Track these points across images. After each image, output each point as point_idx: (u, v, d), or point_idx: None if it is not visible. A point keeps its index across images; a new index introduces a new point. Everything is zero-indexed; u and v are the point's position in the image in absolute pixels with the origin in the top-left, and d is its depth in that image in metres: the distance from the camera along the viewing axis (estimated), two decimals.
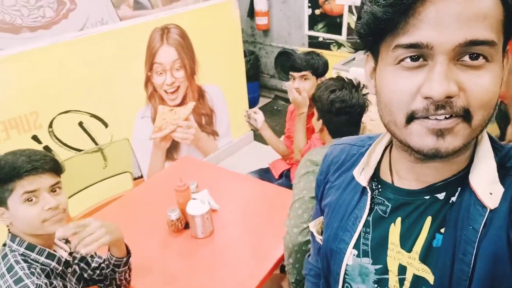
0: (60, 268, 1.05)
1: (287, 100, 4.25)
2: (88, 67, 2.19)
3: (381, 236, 0.62)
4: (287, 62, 4.10)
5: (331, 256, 0.69)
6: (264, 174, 2.09)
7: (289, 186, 1.89)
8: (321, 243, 0.74)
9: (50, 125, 2.10)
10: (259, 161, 3.20)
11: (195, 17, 2.73)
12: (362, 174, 0.66)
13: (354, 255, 0.65)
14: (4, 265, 0.97)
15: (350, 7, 3.33)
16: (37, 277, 0.96)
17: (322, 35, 3.67)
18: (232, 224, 1.52)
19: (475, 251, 0.51)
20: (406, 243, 0.58)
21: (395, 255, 0.59)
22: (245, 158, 3.37)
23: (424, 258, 0.56)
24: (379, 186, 0.64)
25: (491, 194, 0.52)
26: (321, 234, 0.76)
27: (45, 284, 0.96)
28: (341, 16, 3.43)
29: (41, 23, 2.01)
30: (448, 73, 0.46)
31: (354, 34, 3.43)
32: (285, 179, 2.02)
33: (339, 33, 3.51)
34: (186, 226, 1.50)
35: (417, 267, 0.57)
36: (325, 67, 1.87)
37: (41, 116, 2.05)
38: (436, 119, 0.48)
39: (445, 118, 0.48)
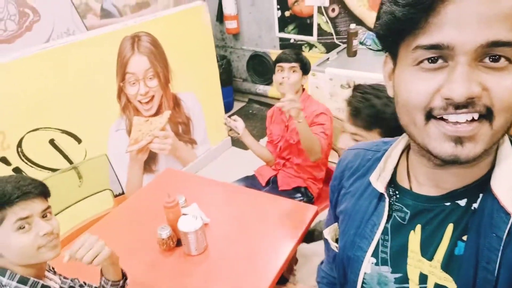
0: None
1: (261, 103, 4.23)
2: (56, 81, 2.07)
3: (400, 244, 0.60)
4: (259, 66, 4.08)
5: (347, 264, 0.67)
6: (251, 182, 2.04)
7: (277, 193, 1.86)
8: (337, 251, 0.72)
9: (19, 145, 1.96)
10: (240, 167, 3.15)
11: (165, 23, 2.65)
12: (379, 180, 0.64)
13: (372, 263, 0.63)
14: None
15: (319, 8, 3.35)
16: None
17: (293, 37, 3.67)
18: (226, 238, 1.47)
19: (499, 259, 0.50)
20: (427, 251, 0.57)
21: (415, 263, 0.58)
22: (225, 164, 3.31)
23: (446, 266, 0.54)
24: (397, 192, 0.62)
25: None
26: (336, 241, 0.74)
27: None
28: (311, 17, 3.45)
29: (2, 37, 1.88)
30: (469, 74, 0.45)
31: (324, 34, 3.47)
32: (273, 186, 1.98)
33: (310, 34, 3.53)
34: (178, 243, 1.44)
35: (438, 276, 0.55)
36: (309, 65, 1.87)
37: (9, 136, 1.91)
38: (457, 122, 0.46)
39: (466, 121, 0.46)
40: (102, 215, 1.73)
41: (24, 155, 1.99)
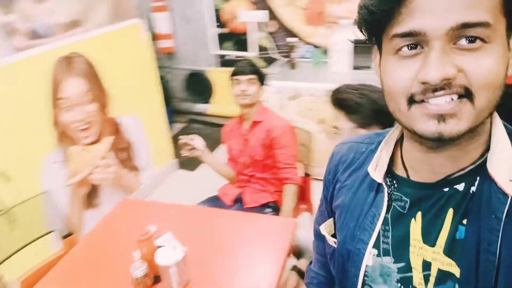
0: None
1: (203, 123, 4.12)
2: None
3: (401, 233, 0.60)
4: (197, 84, 3.98)
5: (347, 258, 0.67)
6: (215, 203, 1.93)
7: (245, 212, 1.78)
8: (335, 246, 0.71)
9: None
10: (189, 189, 3.00)
11: (101, 43, 2.46)
12: (376, 171, 0.65)
13: (374, 255, 0.63)
14: None
15: (258, 23, 3.38)
16: None
17: (232, 53, 3.66)
18: (207, 266, 1.35)
19: (499, 240, 0.51)
20: (429, 238, 0.57)
21: (418, 251, 0.58)
22: (173, 189, 3.13)
23: (449, 251, 0.55)
24: (394, 182, 0.63)
25: (511, 181, 0.52)
26: (333, 236, 0.73)
27: None
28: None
29: None
30: (443, 58, 0.47)
31: (264, 49, 3.50)
32: (240, 205, 1.90)
33: (250, 50, 3.55)
34: (156, 280, 1.28)
35: (442, 261, 0.56)
36: (265, 76, 1.85)
37: None
38: (437, 104, 0.48)
39: (446, 102, 0.48)
40: (52, 260, 1.49)
41: None
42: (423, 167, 0.59)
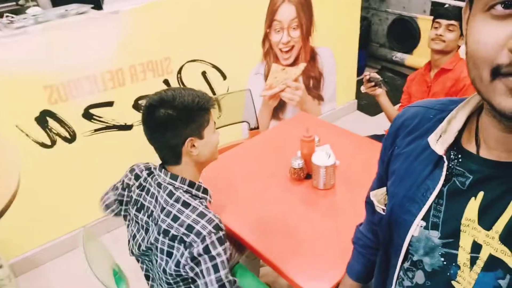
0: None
1: (395, 72, 4.02)
2: (214, 20, 2.29)
3: (455, 210, 0.57)
4: (402, 31, 3.84)
5: (394, 227, 0.66)
6: (379, 140, 2.02)
7: None
8: (384, 213, 0.70)
9: (179, 71, 2.26)
10: (362, 132, 3.11)
11: None
12: (439, 142, 0.60)
13: (421, 226, 0.61)
14: (176, 201, 1.05)
15: None
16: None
17: (449, 2, 3.34)
18: (352, 181, 1.52)
19: None
20: (486, 220, 0.53)
21: (470, 231, 0.55)
22: (348, 127, 3.29)
23: (505, 238, 0.51)
24: (459, 156, 0.58)
25: None
26: (383, 205, 0.73)
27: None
28: None
29: None
30: None
31: None
32: None
33: None
34: (307, 176, 1.54)
35: (495, 247, 0.52)
36: None
37: (173, 62, 2.22)
38: None
39: None
40: (239, 143, 1.93)
41: (181, 81, 2.30)
42: (498, 146, 0.53)
